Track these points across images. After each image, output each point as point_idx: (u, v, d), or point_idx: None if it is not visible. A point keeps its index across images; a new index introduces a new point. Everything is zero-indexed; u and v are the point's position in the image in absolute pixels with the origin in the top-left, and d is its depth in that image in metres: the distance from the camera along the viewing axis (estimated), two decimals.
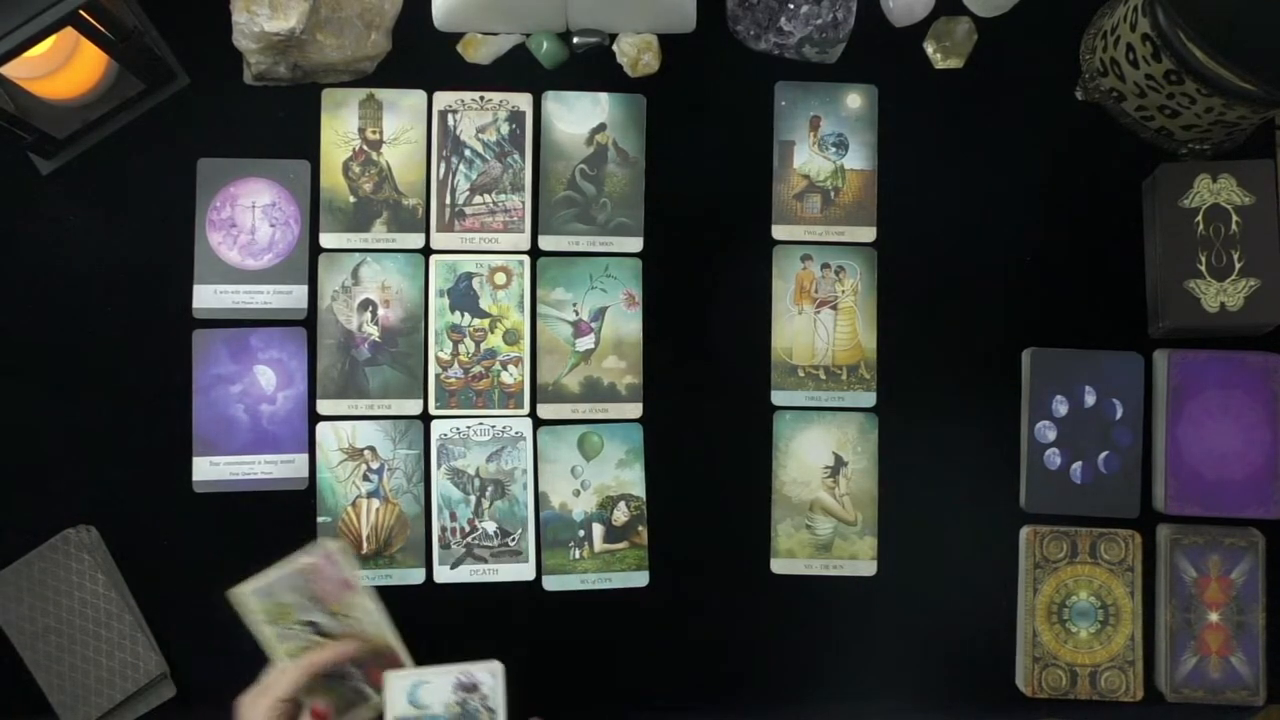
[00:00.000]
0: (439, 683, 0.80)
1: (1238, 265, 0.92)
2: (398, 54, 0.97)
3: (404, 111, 0.97)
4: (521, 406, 0.95)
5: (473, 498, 0.95)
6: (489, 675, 0.81)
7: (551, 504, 0.95)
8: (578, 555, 0.95)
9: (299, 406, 0.95)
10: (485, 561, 0.95)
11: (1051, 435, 0.94)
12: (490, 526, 0.95)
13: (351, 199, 0.96)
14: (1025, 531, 0.95)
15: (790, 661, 0.95)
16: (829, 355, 0.96)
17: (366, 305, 0.95)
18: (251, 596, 0.80)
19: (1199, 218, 0.93)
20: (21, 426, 0.93)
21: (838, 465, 0.96)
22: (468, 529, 0.95)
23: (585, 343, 0.96)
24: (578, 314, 0.96)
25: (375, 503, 0.94)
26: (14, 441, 0.93)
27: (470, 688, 0.81)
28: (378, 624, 0.81)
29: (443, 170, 0.97)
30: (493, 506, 0.95)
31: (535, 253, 0.97)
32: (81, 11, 0.80)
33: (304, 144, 0.96)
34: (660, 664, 0.94)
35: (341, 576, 0.79)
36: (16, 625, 0.91)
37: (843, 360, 0.97)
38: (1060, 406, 0.94)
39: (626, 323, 0.96)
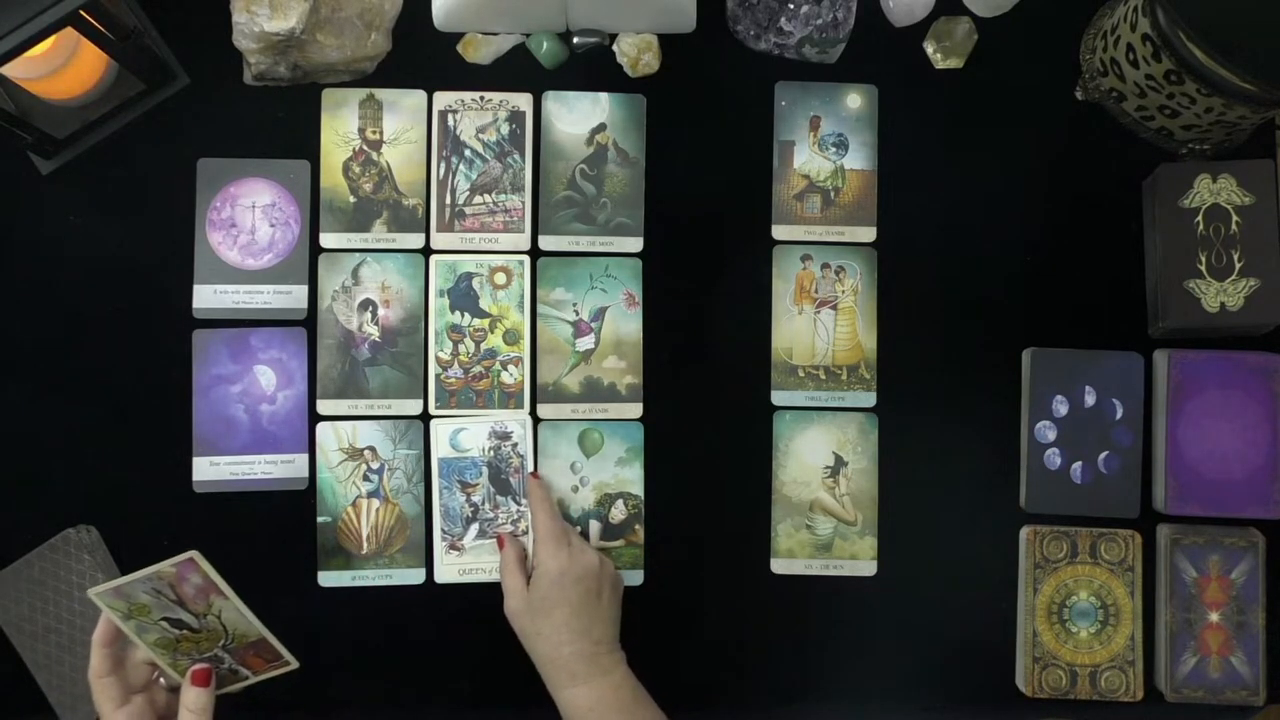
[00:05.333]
0: (476, 429, 0.92)
1: (1238, 265, 0.92)
2: (398, 54, 0.97)
3: (404, 111, 0.97)
4: (521, 406, 0.95)
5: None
6: (519, 425, 0.92)
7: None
8: None
9: (299, 406, 0.95)
10: None
11: (1051, 435, 0.94)
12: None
13: (351, 199, 0.96)
14: (1025, 531, 0.95)
15: (790, 661, 0.95)
16: (829, 355, 0.96)
17: (366, 305, 0.95)
18: (108, 595, 0.78)
19: (1199, 218, 0.93)
20: (21, 426, 0.93)
21: (838, 465, 0.96)
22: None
23: (585, 343, 0.96)
24: (578, 314, 0.96)
25: (375, 503, 0.94)
26: (14, 441, 0.93)
27: (504, 435, 0.92)
28: (249, 622, 0.80)
29: (443, 170, 0.97)
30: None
31: (535, 253, 0.97)
32: (81, 11, 0.80)
33: (304, 144, 0.96)
34: (660, 664, 0.94)
35: (203, 583, 0.78)
36: (16, 625, 0.91)
37: (843, 360, 0.97)
38: (1060, 406, 0.94)
39: (626, 323, 0.96)
